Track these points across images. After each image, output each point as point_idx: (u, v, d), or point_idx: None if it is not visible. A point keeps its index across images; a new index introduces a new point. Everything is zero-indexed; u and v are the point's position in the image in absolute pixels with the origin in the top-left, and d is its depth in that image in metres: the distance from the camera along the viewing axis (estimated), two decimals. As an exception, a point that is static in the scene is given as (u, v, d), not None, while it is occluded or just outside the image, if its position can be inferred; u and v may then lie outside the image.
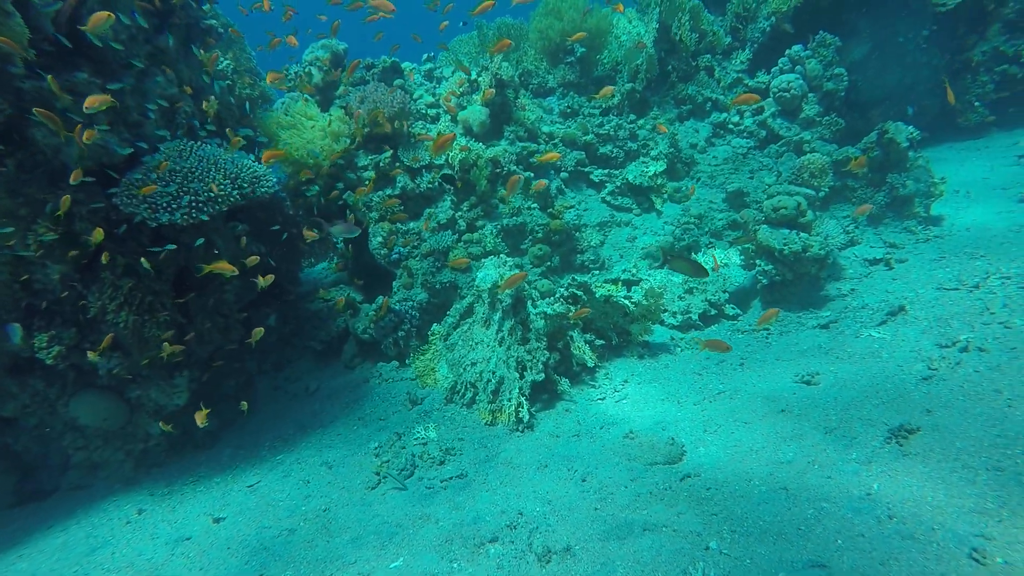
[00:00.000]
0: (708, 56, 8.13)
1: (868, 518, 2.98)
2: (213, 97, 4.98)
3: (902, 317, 4.78)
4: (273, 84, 6.23)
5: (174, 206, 4.16)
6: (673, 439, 3.92)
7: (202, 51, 5.22)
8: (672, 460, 3.77)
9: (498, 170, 6.30)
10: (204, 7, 5.40)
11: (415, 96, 7.08)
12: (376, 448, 4.57)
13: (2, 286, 3.99)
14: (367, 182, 6.05)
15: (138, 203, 4.06)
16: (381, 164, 6.13)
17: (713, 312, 5.70)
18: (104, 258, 3.99)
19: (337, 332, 6.12)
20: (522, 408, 4.49)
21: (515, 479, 3.91)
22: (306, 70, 7.04)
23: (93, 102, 3.46)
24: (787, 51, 7.73)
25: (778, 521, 3.09)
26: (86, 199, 3.99)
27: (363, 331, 5.85)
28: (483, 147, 6.38)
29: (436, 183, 6.21)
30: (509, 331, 4.79)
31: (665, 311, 5.62)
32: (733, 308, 5.75)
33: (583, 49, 7.70)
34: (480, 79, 6.96)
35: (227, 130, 4.92)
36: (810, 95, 7.62)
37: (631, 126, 7.47)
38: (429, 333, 5.68)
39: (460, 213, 6.24)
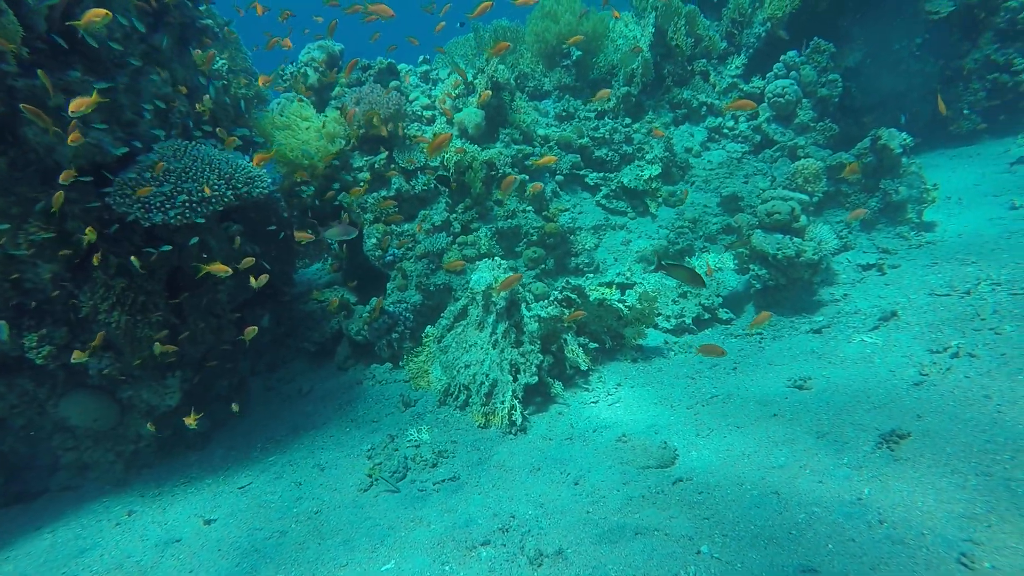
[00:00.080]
0: (704, 61, 8.16)
1: (859, 523, 2.99)
2: (207, 96, 4.96)
3: (894, 323, 4.80)
4: (265, 86, 6.20)
5: (167, 206, 4.14)
6: (666, 443, 3.92)
7: (199, 51, 5.20)
8: (664, 464, 3.77)
9: (493, 172, 6.30)
10: (200, 7, 5.38)
11: (411, 98, 7.08)
12: (369, 450, 4.55)
13: (-8, 285, 3.96)
14: (362, 183, 6.05)
15: (131, 203, 4.04)
16: (376, 165, 6.12)
17: (707, 316, 5.72)
18: (96, 259, 3.96)
19: (331, 333, 6.10)
20: (515, 411, 4.49)
21: (508, 482, 3.91)
22: (302, 71, 7.03)
23: (79, 105, 3.43)
24: (782, 57, 7.77)
25: (769, 525, 3.09)
26: (79, 198, 3.97)
27: (357, 332, 5.83)
28: (478, 149, 6.38)
29: (431, 185, 6.21)
30: (503, 334, 4.79)
31: (659, 315, 5.63)
32: (727, 312, 5.77)
33: (579, 52, 7.72)
34: (476, 81, 6.97)
35: (218, 130, 4.89)
36: (804, 101, 7.66)
37: (626, 130, 7.49)
38: (423, 335, 5.68)
39: (455, 215, 6.24)
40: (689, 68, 8.10)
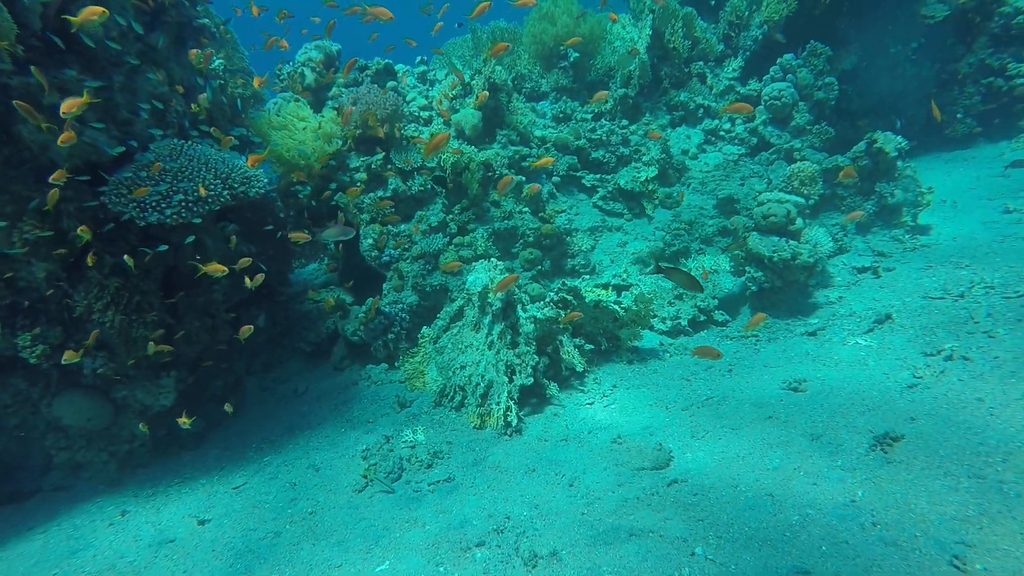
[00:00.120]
0: (701, 63, 8.18)
1: (852, 525, 3.00)
2: (204, 95, 4.95)
3: (889, 325, 4.82)
4: (260, 87, 6.19)
5: (163, 205, 4.13)
6: (661, 444, 3.93)
7: (196, 50, 5.19)
8: (659, 465, 3.78)
9: (490, 173, 6.31)
10: (198, 7, 5.38)
11: (408, 98, 7.08)
12: (364, 451, 4.54)
13: (-14, 284, 3.95)
14: (359, 184, 6.04)
15: (126, 202, 4.03)
16: (373, 166, 6.12)
17: (702, 318, 5.73)
18: (89, 260, 3.94)
19: (327, 334, 6.09)
20: (511, 412, 4.49)
21: (503, 483, 3.91)
22: (299, 71, 7.02)
23: (70, 106, 3.41)
24: (779, 59, 7.79)
25: (764, 527, 3.10)
26: (74, 196, 3.95)
27: (353, 333, 5.83)
28: (475, 150, 6.38)
29: (428, 185, 6.21)
30: (499, 335, 4.79)
31: (655, 317, 5.64)
32: (722, 314, 5.78)
33: (577, 54, 7.72)
34: (473, 82, 6.97)
35: (212, 129, 4.87)
36: (801, 103, 7.68)
37: (623, 131, 7.50)
38: (419, 336, 5.67)
39: (452, 216, 6.24)
40: (686, 70, 8.12)
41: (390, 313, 5.73)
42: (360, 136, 6.16)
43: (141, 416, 4.57)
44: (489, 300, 4.85)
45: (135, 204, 4.04)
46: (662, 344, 5.48)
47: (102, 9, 3.55)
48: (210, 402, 5.13)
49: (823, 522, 3.05)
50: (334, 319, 6.04)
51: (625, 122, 7.65)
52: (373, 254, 6.01)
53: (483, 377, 4.72)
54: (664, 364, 5.15)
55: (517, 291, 5.12)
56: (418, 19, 9.06)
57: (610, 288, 5.70)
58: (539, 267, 6.30)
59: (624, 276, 6.24)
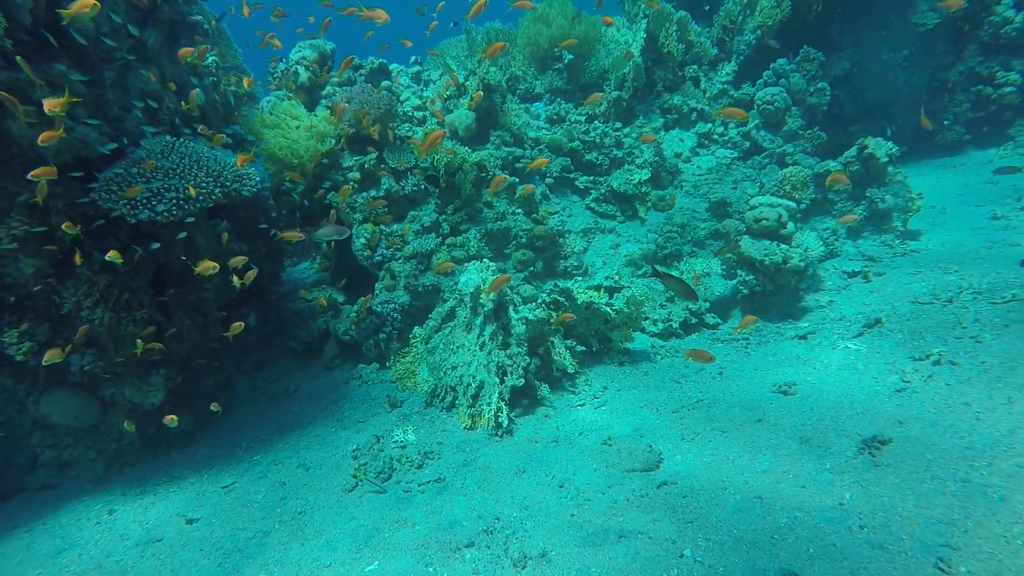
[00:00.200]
0: (694, 67, 8.22)
1: (840, 527, 3.02)
2: (196, 91, 4.91)
3: (878, 330, 4.86)
4: (249, 87, 6.15)
5: (154, 202, 4.10)
6: (651, 446, 3.94)
7: (190, 48, 5.16)
8: (649, 467, 3.79)
9: (483, 174, 6.31)
10: (192, 4, 5.35)
11: (402, 98, 7.07)
12: (354, 451, 4.53)
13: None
14: (352, 183, 6.02)
15: (117, 199, 4.00)
16: (366, 165, 6.10)
17: (694, 321, 5.75)
18: (77, 259, 3.90)
19: (318, 333, 6.07)
20: (501, 413, 4.49)
21: (493, 484, 3.91)
22: (292, 69, 7.00)
23: (52, 105, 3.38)
24: (772, 64, 7.84)
25: (752, 530, 3.12)
26: (63, 193, 3.92)
27: (344, 332, 5.81)
28: (469, 151, 6.38)
29: (421, 185, 6.20)
30: (490, 336, 4.79)
31: (646, 319, 5.65)
32: (713, 317, 5.80)
33: (571, 56, 7.74)
34: (468, 83, 6.97)
35: (200, 127, 4.82)
36: (793, 108, 7.74)
37: (617, 134, 7.52)
38: (410, 336, 5.66)
39: (444, 216, 6.23)
40: (680, 74, 8.16)
41: (382, 313, 5.72)
42: (353, 135, 6.15)
43: (130, 414, 4.54)
44: (481, 301, 4.85)
45: (126, 201, 4.01)
46: (653, 346, 5.50)
47: (93, 1, 3.52)
48: (200, 400, 5.10)
49: (811, 525, 3.07)
50: (325, 318, 6.02)
51: (619, 124, 7.68)
52: (365, 253, 6.00)
53: (474, 378, 4.71)
54: (655, 366, 5.17)
55: (509, 292, 5.12)
56: (414, 18, 9.05)
57: (602, 290, 5.71)
58: (531, 268, 6.31)
59: (616, 278, 6.25)
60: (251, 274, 4.62)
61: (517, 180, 6.53)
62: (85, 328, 4.07)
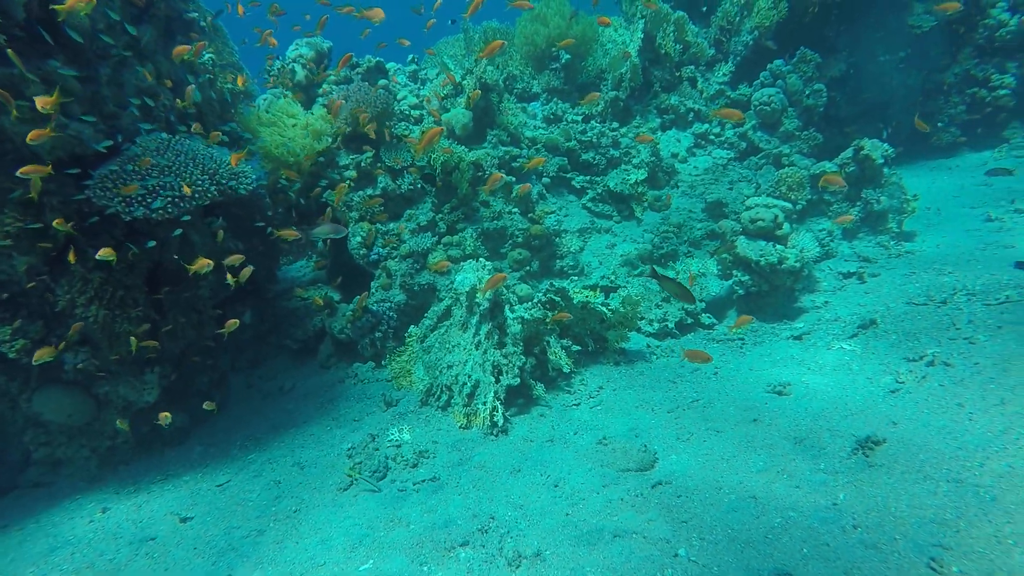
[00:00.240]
0: (691, 67, 8.24)
1: (833, 527, 3.03)
2: (191, 87, 4.88)
3: (873, 330, 4.87)
4: (243, 86, 6.12)
5: (149, 200, 4.08)
6: (646, 446, 3.95)
7: (187, 46, 5.14)
8: (644, 467, 3.80)
9: (480, 173, 6.30)
10: (188, 1, 5.32)
11: (399, 97, 7.06)
12: (349, 449, 4.53)
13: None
14: (348, 181, 6.01)
15: (111, 196, 3.98)
16: (363, 164, 6.10)
17: (689, 321, 5.76)
18: (71, 256, 3.88)
19: (314, 331, 6.06)
20: (497, 412, 4.49)
21: (488, 483, 3.91)
22: (289, 67, 6.98)
23: (43, 103, 3.36)
24: (769, 65, 7.86)
25: (746, 529, 3.13)
26: (57, 190, 3.90)
27: (340, 331, 5.80)
28: (465, 150, 6.38)
29: (418, 184, 6.19)
30: (486, 335, 4.79)
31: (642, 319, 5.66)
32: (709, 317, 5.82)
33: (568, 56, 7.75)
34: (464, 82, 6.97)
35: (194, 125, 4.79)
36: (790, 109, 7.76)
37: (614, 134, 7.53)
38: (406, 335, 5.66)
39: (441, 215, 6.23)
40: (677, 74, 8.17)
41: (378, 311, 5.71)
42: (350, 134, 6.14)
43: (124, 412, 4.52)
44: (477, 300, 4.85)
45: (121, 198, 3.99)
46: (649, 346, 5.51)
47: (90, -3, 3.51)
48: (195, 398, 5.08)
49: (805, 524, 3.08)
50: (321, 317, 6.01)
51: (616, 124, 7.68)
52: (362, 252, 5.99)
53: (470, 377, 4.71)
54: (651, 366, 5.18)
55: (505, 291, 5.12)
56: (411, 17, 9.03)
57: (598, 290, 5.72)
58: (528, 268, 6.31)
59: (612, 278, 6.27)
60: (247, 271, 4.59)
61: (514, 179, 6.53)
62: (79, 325, 4.05)
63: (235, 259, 4.56)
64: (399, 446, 4.46)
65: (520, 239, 6.32)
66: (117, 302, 4.20)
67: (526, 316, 4.90)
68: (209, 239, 4.83)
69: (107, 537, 3.94)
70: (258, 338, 6.14)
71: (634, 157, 7.37)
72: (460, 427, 4.63)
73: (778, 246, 5.63)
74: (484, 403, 4.56)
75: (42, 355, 3.86)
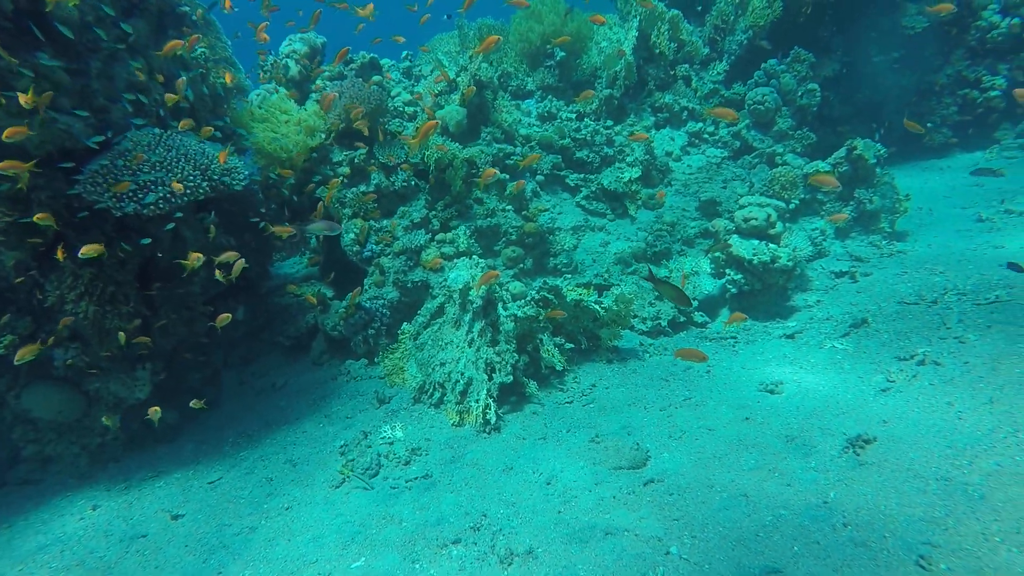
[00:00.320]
0: (686, 66, 8.24)
1: (824, 525, 3.05)
2: (181, 80, 4.82)
3: (865, 329, 4.90)
4: (232, 83, 6.06)
5: (140, 195, 4.05)
6: (638, 444, 3.96)
7: (179, 41, 5.09)
8: (636, 465, 3.81)
9: (474, 171, 6.29)
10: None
11: (393, 93, 7.03)
12: (342, 447, 4.52)
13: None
14: (341, 178, 5.98)
15: (102, 191, 3.95)
16: (356, 161, 6.07)
17: (682, 319, 5.77)
18: (60, 253, 3.84)
19: (306, 328, 6.04)
20: (489, 410, 4.49)
21: (480, 481, 3.91)
22: (283, 63, 6.94)
23: (26, 100, 3.32)
24: (763, 64, 7.88)
25: (738, 527, 3.14)
26: (46, 185, 3.86)
27: (333, 328, 5.78)
28: (459, 147, 6.36)
29: (411, 181, 6.17)
30: (479, 332, 4.79)
31: (635, 317, 5.67)
32: (702, 316, 5.83)
33: (563, 53, 7.73)
34: (459, 79, 6.94)
35: (182, 123, 4.74)
36: (784, 109, 7.78)
37: (608, 132, 7.53)
38: (399, 332, 5.64)
39: (434, 212, 6.21)
40: (671, 72, 8.17)
41: (370, 308, 5.70)
42: (343, 130, 6.11)
43: (115, 409, 4.49)
44: (470, 297, 4.85)
45: (111, 194, 3.96)
46: (642, 344, 5.52)
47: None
48: (187, 395, 5.03)
49: (796, 523, 3.10)
50: (314, 313, 5.99)
51: (610, 122, 7.68)
52: (355, 249, 5.96)
53: (463, 374, 4.71)
54: (643, 364, 5.19)
55: (498, 289, 5.12)
56: (406, 14, 8.99)
57: (591, 288, 5.71)
58: (521, 265, 6.30)
59: (606, 276, 6.27)
60: (239, 264, 4.55)
61: (508, 177, 6.52)
62: (68, 320, 4.02)
63: (230, 256, 4.53)
64: (392, 443, 4.46)
65: (514, 236, 6.31)
66: (108, 298, 4.16)
67: (519, 314, 4.90)
68: (201, 235, 4.80)
69: (97, 534, 3.91)
70: (250, 335, 6.11)
71: (628, 155, 7.38)
72: (453, 424, 4.62)
73: (771, 245, 5.65)
74: (477, 401, 4.56)
75: (24, 354, 3.78)
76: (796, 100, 7.78)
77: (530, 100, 7.96)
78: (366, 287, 5.92)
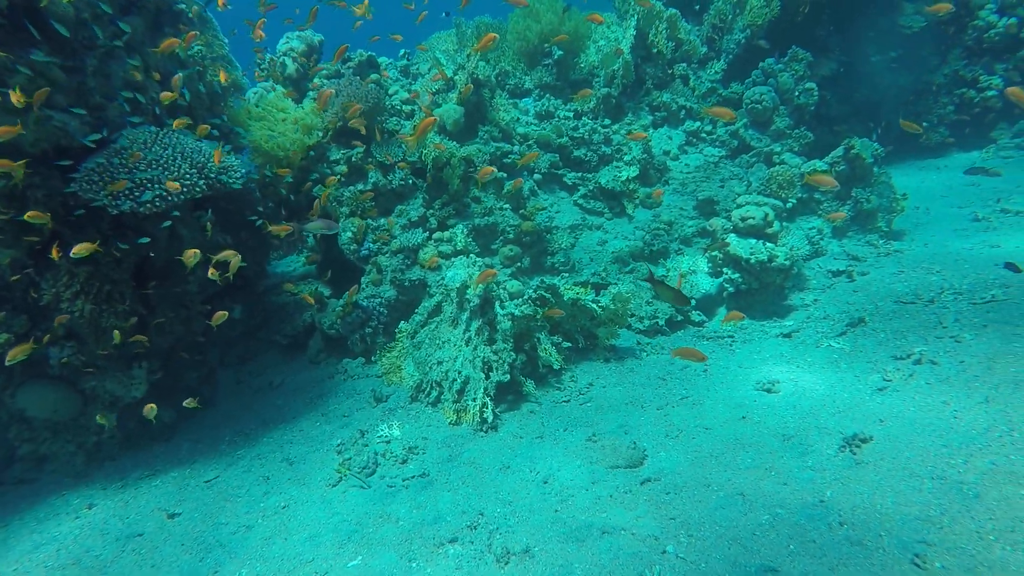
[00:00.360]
0: (684, 65, 8.24)
1: (820, 524, 3.05)
2: (178, 76, 4.79)
3: (861, 329, 4.91)
4: (226, 82, 6.04)
5: (137, 193, 4.04)
6: (635, 443, 3.96)
7: (175, 39, 5.07)
8: (633, 464, 3.81)
9: (471, 169, 6.28)
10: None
11: (390, 92, 7.02)
12: (339, 445, 4.51)
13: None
14: (339, 176, 5.97)
15: (98, 189, 3.93)
16: (353, 159, 6.06)
17: (679, 318, 5.78)
18: (54, 253, 3.82)
19: (303, 326, 6.03)
20: (486, 409, 4.49)
21: (477, 479, 3.91)
22: (280, 61, 6.92)
23: (19, 98, 3.30)
24: (761, 64, 7.88)
25: (734, 526, 3.14)
26: (42, 183, 3.85)
27: (330, 326, 5.77)
28: (457, 146, 6.35)
29: (409, 180, 6.16)
30: (476, 331, 4.79)
31: (632, 316, 5.67)
32: (699, 315, 5.84)
33: (561, 52, 7.73)
34: (456, 77, 6.93)
35: (176, 122, 4.72)
36: (781, 108, 7.78)
37: (606, 130, 7.53)
38: (396, 331, 5.64)
39: (432, 211, 6.20)
40: (669, 71, 8.17)
41: (368, 307, 5.69)
42: (341, 129, 6.09)
43: (111, 408, 4.48)
44: (467, 296, 4.85)
45: (108, 192, 3.94)
46: (639, 343, 5.52)
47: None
48: (183, 394, 5.02)
49: (792, 521, 3.11)
50: (311, 312, 5.98)
51: (607, 121, 7.68)
52: (352, 247, 5.95)
53: (460, 373, 4.71)
54: (641, 363, 5.19)
55: (496, 288, 5.11)
56: (403, 12, 8.98)
57: (589, 286, 5.72)
58: (519, 264, 6.30)
59: (603, 275, 6.27)
60: (236, 261, 4.52)
61: (505, 176, 6.52)
62: (64, 318, 4.00)
63: (228, 255, 4.50)
64: (388, 442, 4.45)
65: (511, 235, 6.31)
66: (104, 297, 4.15)
67: (516, 312, 4.90)
68: (198, 233, 4.79)
69: (93, 533, 3.90)
70: (247, 333, 6.10)
71: (626, 154, 7.38)
72: (450, 423, 4.62)
73: (768, 244, 5.66)
74: (474, 399, 4.56)
75: (15, 354, 3.74)
76: (794, 99, 7.79)
77: (528, 99, 7.96)
78: (363, 285, 5.92)
